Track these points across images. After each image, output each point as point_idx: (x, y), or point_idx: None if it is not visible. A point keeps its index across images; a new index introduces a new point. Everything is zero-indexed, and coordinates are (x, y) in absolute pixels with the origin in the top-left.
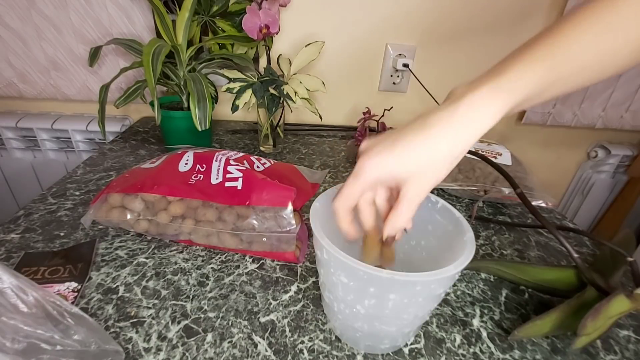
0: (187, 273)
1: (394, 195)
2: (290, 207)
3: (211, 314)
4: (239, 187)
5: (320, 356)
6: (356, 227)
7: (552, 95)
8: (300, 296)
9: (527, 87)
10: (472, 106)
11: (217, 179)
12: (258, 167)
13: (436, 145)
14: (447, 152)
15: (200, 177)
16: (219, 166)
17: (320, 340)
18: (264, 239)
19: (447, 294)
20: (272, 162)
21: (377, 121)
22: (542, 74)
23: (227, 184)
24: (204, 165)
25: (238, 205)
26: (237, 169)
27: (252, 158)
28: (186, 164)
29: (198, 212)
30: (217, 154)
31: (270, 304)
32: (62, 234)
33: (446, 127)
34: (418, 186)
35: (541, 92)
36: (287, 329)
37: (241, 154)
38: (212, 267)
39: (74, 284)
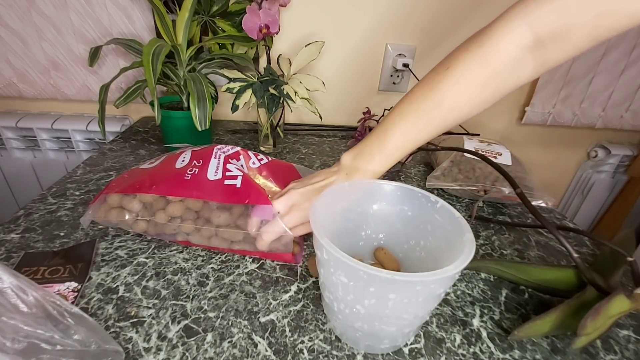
0: (187, 273)
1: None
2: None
3: (211, 314)
4: (238, 186)
5: (320, 356)
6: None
7: (399, 158)
8: (300, 296)
9: (366, 169)
10: (332, 181)
11: (215, 175)
12: (254, 163)
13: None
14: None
15: (195, 170)
16: (218, 163)
17: (320, 340)
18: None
19: (447, 294)
20: (269, 159)
21: (377, 121)
22: (380, 161)
23: (227, 182)
24: (201, 160)
25: (237, 203)
26: (236, 168)
27: (249, 153)
28: (183, 160)
29: (214, 213)
30: (215, 149)
31: (270, 303)
32: (62, 234)
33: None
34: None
35: (383, 166)
36: (287, 329)
37: (238, 148)
38: (212, 267)
39: (74, 284)
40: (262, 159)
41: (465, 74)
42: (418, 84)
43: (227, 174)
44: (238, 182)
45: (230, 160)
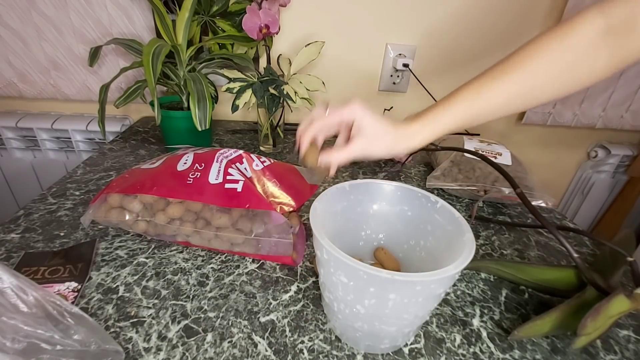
0: (187, 273)
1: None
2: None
3: (211, 314)
4: (239, 190)
5: (320, 356)
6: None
7: (483, 121)
8: (300, 296)
9: (449, 123)
10: (406, 133)
11: (216, 179)
12: (257, 165)
13: (389, 134)
14: (387, 145)
15: (197, 174)
16: (220, 167)
17: (320, 340)
18: (260, 245)
19: (447, 294)
20: (272, 161)
21: None
22: (461, 114)
23: (227, 186)
24: (203, 164)
25: (237, 207)
26: (238, 173)
27: (251, 156)
28: (185, 163)
29: (214, 216)
30: (217, 154)
31: (270, 303)
32: (62, 234)
33: (394, 135)
34: (362, 144)
35: (466, 123)
36: (287, 329)
37: (240, 152)
38: (212, 267)
39: (74, 284)
40: (264, 161)
41: (542, 52)
42: (495, 65)
43: (228, 177)
44: (239, 187)
45: (232, 164)
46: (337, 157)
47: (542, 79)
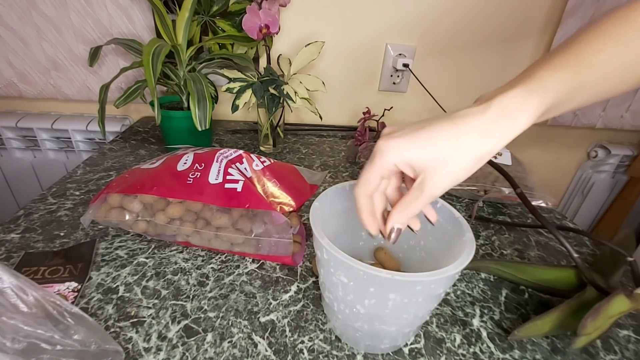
0: (187, 273)
1: (407, 186)
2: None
3: (211, 314)
4: (239, 190)
5: (320, 356)
6: (377, 220)
7: (578, 103)
8: (300, 296)
9: (556, 90)
10: (504, 108)
11: (216, 179)
12: (257, 165)
13: (463, 139)
14: (472, 149)
15: (197, 174)
16: (220, 167)
17: (320, 340)
18: (260, 245)
19: (447, 294)
20: (272, 161)
21: (377, 121)
22: (568, 79)
23: (227, 185)
24: (203, 164)
25: (236, 207)
26: (238, 173)
27: (251, 156)
28: (185, 163)
29: (214, 216)
30: (217, 154)
31: (270, 303)
32: (62, 234)
33: (475, 123)
34: (435, 178)
35: (568, 98)
36: (287, 329)
37: (240, 152)
38: (212, 267)
39: (74, 284)
40: (264, 161)
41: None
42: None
43: (228, 177)
44: (239, 187)
45: (232, 164)
46: (410, 211)
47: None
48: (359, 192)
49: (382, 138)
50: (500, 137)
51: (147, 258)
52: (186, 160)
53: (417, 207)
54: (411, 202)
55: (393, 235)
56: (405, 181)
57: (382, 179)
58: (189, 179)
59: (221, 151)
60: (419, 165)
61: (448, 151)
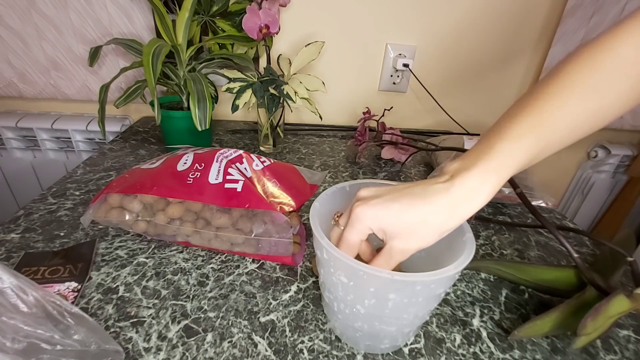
0: (187, 273)
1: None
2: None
3: (211, 314)
4: (239, 190)
5: (320, 356)
6: None
7: (543, 157)
8: (300, 296)
9: (516, 162)
10: (466, 187)
11: (216, 179)
12: (257, 165)
13: (430, 216)
14: (438, 224)
15: (197, 174)
16: (220, 167)
17: (320, 340)
18: (260, 245)
19: (447, 294)
20: (272, 161)
21: (377, 121)
22: (530, 146)
23: (227, 185)
24: (202, 164)
25: (236, 207)
26: (238, 172)
27: (251, 156)
28: (185, 163)
29: (214, 216)
30: (217, 154)
31: (270, 303)
32: (62, 234)
33: (441, 202)
34: (402, 245)
35: (531, 161)
36: (287, 329)
37: (240, 152)
38: (212, 267)
39: (74, 284)
40: (264, 161)
41: (584, 76)
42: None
43: (228, 177)
44: (239, 186)
45: (232, 164)
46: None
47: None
48: (345, 253)
49: (359, 205)
50: (461, 216)
51: (147, 258)
52: (186, 160)
53: (384, 269)
54: (379, 265)
55: None
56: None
57: (362, 240)
58: (189, 179)
59: (221, 151)
60: (391, 233)
61: (416, 225)
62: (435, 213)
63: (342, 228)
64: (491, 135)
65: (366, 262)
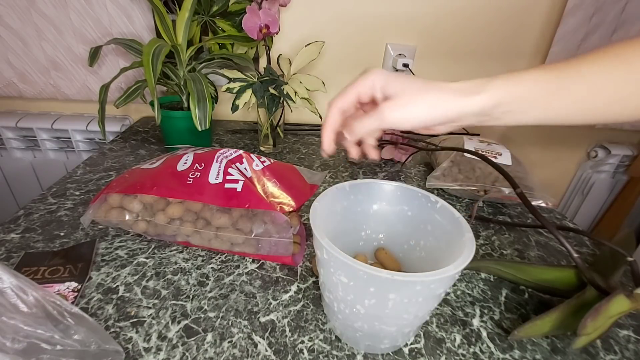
0: (187, 273)
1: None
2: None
3: (211, 314)
4: (239, 190)
5: (320, 356)
6: (333, 146)
7: (561, 109)
8: (300, 296)
9: (525, 85)
10: (467, 86)
11: (216, 179)
12: (257, 165)
13: (425, 94)
14: (429, 104)
15: (197, 174)
16: (220, 167)
17: (320, 340)
18: (260, 245)
19: (447, 294)
20: (272, 161)
21: None
22: (548, 78)
23: (227, 185)
24: (202, 164)
25: (236, 207)
26: (238, 173)
27: (251, 156)
28: (185, 163)
29: (214, 216)
30: (217, 154)
31: (270, 303)
32: (62, 234)
33: (444, 89)
34: (394, 108)
35: (546, 95)
36: (287, 329)
37: (240, 152)
38: (212, 267)
39: (74, 284)
40: (264, 161)
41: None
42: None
43: (228, 177)
44: (239, 186)
45: (232, 164)
46: (360, 127)
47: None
48: (334, 103)
49: (374, 68)
50: (455, 106)
51: (147, 258)
52: (186, 160)
53: (371, 124)
54: (369, 118)
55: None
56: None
57: (360, 94)
58: (189, 178)
59: (221, 151)
60: (389, 92)
61: (412, 96)
62: (429, 95)
63: None
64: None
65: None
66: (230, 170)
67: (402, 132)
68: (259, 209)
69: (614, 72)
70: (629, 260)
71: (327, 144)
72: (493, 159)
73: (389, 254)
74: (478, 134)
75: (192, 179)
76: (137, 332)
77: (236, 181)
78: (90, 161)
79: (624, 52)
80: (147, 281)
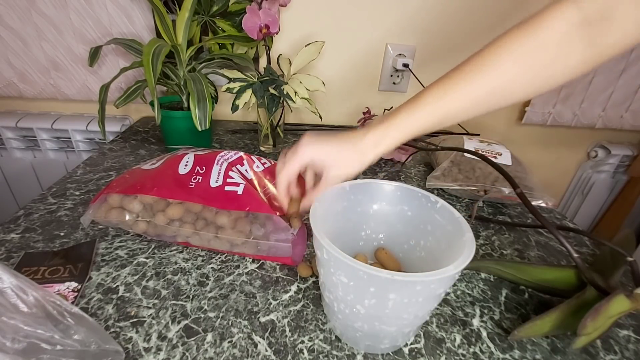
0: (187, 273)
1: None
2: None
3: (211, 314)
4: (239, 192)
5: (320, 356)
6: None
7: (448, 124)
8: (300, 296)
9: (417, 124)
10: (371, 139)
11: (216, 182)
12: (258, 167)
13: (352, 154)
14: (357, 160)
15: (199, 179)
16: (220, 169)
17: (320, 340)
18: (259, 247)
19: (447, 294)
20: (272, 162)
21: None
22: (429, 114)
23: (227, 188)
24: (204, 167)
25: (236, 210)
26: (239, 176)
27: (252, 157)
28: (186, 165)
29: (215, 216)
30: (218, 156)
31: (270, 303)
32: (62, 234)
33: (359, 146)
34: (335, 172)
35: (435, 124)
36: (287, 329)
37: (241, 153)
38: (212, 267)
39: (74, 284)
40: (265, 163)
41: (511, 49)
42: (462, 63)
43: (229, 180)
44: (239, 189)
45: (233, 167)
46: (314, 198)
47: (511, 79)
48: (281, 179)
49: (305, 142)
50: (370, 156)
51: (147, 258)
52: (187, 162)
53: (323, 190)
54: (319, 190)
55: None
56: (307, 172)
57: (300, 168)
58: (191, 183)
59: (221, 154)
60: (327, 162)
61: (344, 159)
62: (355, 152)
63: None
64: (403, 103)
65: (308, 189)
66: (231, 173)
67: None
68: (259, 212)
69: (487, 84)
70: (629, 260)
71: (285, 207)
72: (493, 159)
73: (389, 254)
74: (478, 134)
75: (194, 184)
76: (137, 332)
77: (237, 184)
78: (90, 161)
79: (488, 60)
80: (147, 281)
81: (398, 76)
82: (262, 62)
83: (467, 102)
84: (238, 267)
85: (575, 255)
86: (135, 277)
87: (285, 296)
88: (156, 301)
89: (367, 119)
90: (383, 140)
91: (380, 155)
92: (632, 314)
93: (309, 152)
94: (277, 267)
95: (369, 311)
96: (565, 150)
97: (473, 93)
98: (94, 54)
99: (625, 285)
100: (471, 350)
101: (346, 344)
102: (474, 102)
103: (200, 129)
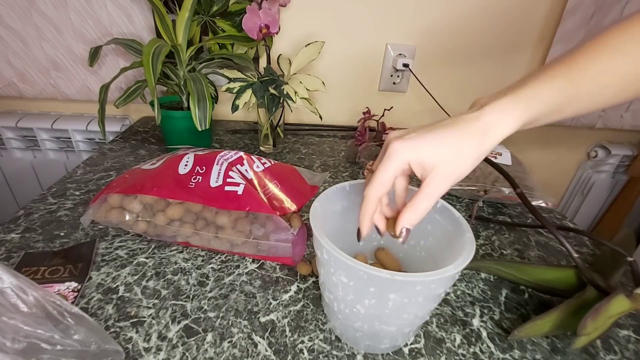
0: (187, 273)
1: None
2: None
3: (211, 314)
4: (240, 193)
5: (320, 356)
6: (371, 222)
7: (574, 111)
8: (300, 296)
9: (545, 100)
10: (493, 114)
11: (216, 182)
12: (258, 166)
13: (463, 143)
14: (470, 150)
15: (199, 179)
16: (220, 169)
17: (320, 340)
18: (259, 247)
19: (447, 294)
20: (272, 162)
21: (377, 121)
22: (561, 88)
23: (227, 188)
24: (204, 167)
25: (237, 210)
26: (239, 176)
27: (252, 157)
28: (186, 165)
29: (215, 216)
30: (218, 156)
31: (270, 303)
32: (62, 234)
33: (472, 129)
34: (442, 177)
35: (561, 106)
36: (287, 329)
37: (241, 153)
38: (212, 267)
39: (74, 284)
40: (265, 163)
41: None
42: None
43: (229, 180)
44: (240, 189)
45: (233, 167)
46: (415, 216)
47: None
48: (373, 193)
49: (395, 140)
50: (490, 141)
51: (147, 258)
52: (187, 162)
53: (427, 206)
54: (422, 201)
55: (404, 235)
56: (395, 186)
57: (397, 177)
58: (191, 183)
59: (222, 154)
60: (430, 165)
61: (451, 154)
62: (468, 139)
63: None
64: (524, 77)
65: (403, 201)
66: (231, 173)
67: None
68: (259, 212)
69: (619, 66)
70: (629, 260)
71: (366, 232)
72: (493, 159)
73: (389, 254)
74: None
75: (194, 184)
76: (137, 332)
77: (237, 184)
78: (90, 161)
79: (619, 41)
80: (147, 281)
81: (398, 76)
82: (262, 62)
83: (604, 77)
84: (238, 267)
85: (575, 255)
86: (135, 277)
87: (285, 296)
88: (156, 301)
89: (367, 119)
90: (509, 114)
91: (506, 135)
92: (632, 314)
93: (406, 152)
94: (277, 267)
95: (369, 311)
96: (565, 150)
97: (604, 74)
98: (94, 54)
99: (625, 285)
100: (471, 350)
101: (346, 344)
102: (604, 84)
103: (200, 129)
